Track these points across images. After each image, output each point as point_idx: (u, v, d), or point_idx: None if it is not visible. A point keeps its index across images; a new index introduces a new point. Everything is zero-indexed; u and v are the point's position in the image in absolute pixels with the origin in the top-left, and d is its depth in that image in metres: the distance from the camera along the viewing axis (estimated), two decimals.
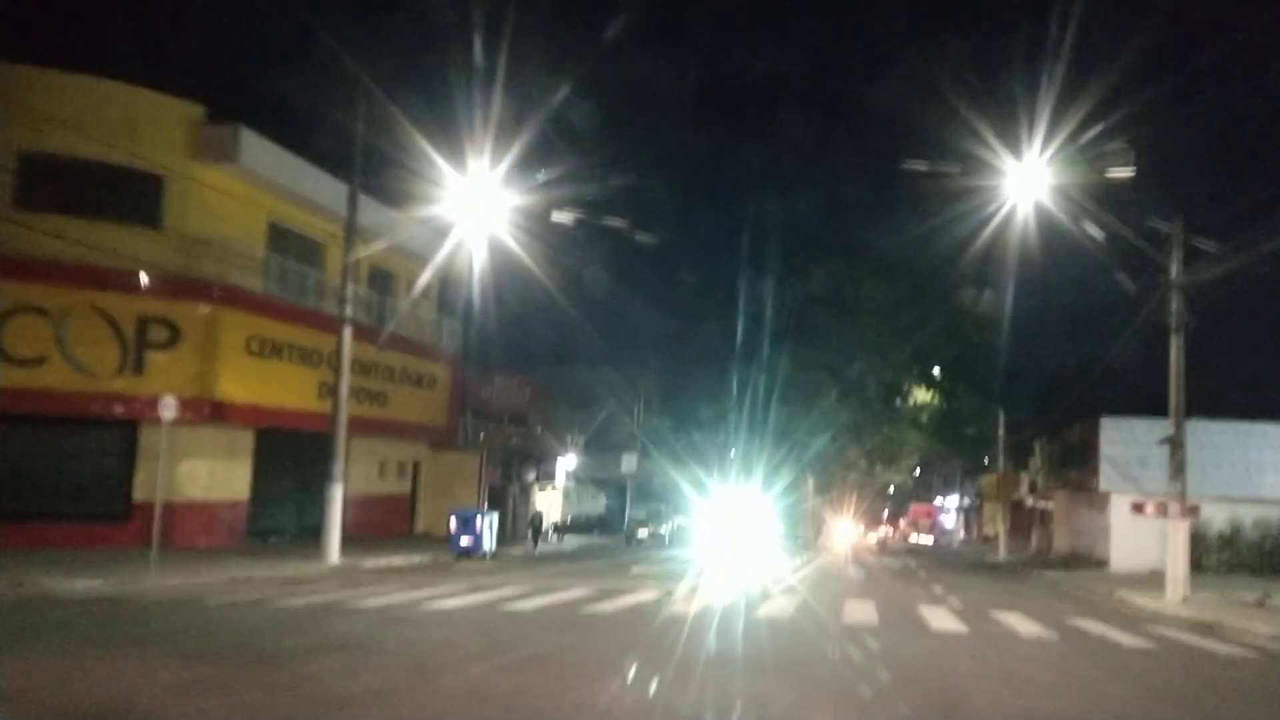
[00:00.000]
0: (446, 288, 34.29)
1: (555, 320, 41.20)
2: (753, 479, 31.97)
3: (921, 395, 37.25)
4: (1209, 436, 29.33)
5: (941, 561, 37.22)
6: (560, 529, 42.36)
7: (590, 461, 49.63)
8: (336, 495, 20.95)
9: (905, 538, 69.41)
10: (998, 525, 67.74)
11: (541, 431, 40.94)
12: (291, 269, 25.26)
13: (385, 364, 29.37)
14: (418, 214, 22.27)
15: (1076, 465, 34.46)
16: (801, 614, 12.61)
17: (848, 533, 73.39)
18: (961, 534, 79.62)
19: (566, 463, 45.53)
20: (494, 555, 26.23)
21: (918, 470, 63.49)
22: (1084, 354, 36.61)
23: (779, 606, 13.38)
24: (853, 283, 30.65)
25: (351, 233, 21.30)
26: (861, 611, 13.23)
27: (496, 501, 38.73)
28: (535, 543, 33.87)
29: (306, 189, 24.71)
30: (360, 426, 28.73)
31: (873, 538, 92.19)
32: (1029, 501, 48.44)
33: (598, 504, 58.46)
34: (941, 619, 12.92)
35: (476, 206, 20.26)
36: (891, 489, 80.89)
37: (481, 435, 35.83)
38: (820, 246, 28.67)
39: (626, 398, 45.47)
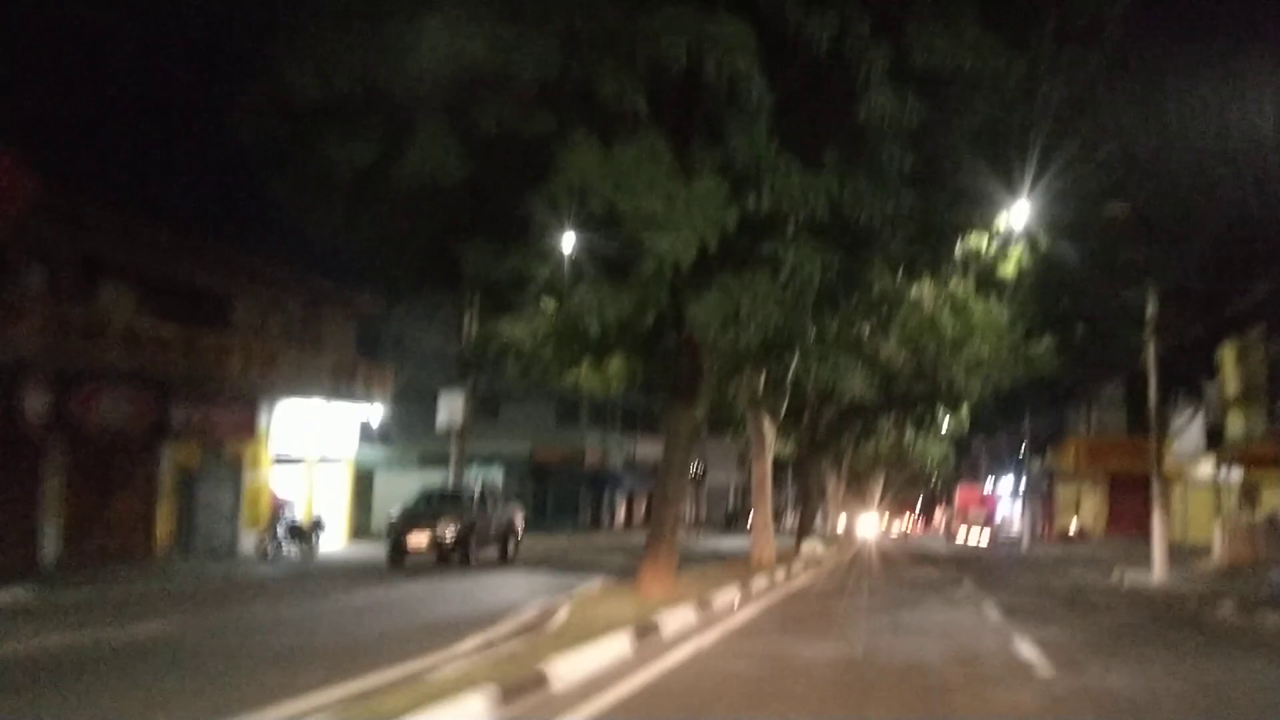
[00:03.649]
0: None
1: None
2: None
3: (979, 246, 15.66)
4: None
5: (1044, 593, 15.74)
6: (301, 533, 21.18)
7: (424, 415, 28.53)
8: None
9: (952, 535, 47.47)
10: (1084, 515, 45.67)
11: (232, 340, 19.83)
12: None
13: None
14: None
15: None
16: None
17: (872, 526, 52.01)
18: (1022, 529, 57.18)
19: (352, 420, 24.55)
20: None
21: (952, 455, 41.27)
22: None
23: None
24: None
25: None
26: None
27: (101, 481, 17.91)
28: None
29: None
30: None
31: (896, 531, 70.35)
32: (1204, 471, 26.18)
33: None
34: None
35: None
36: (932, 472, 58.99)
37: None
38: None
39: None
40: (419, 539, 18.26)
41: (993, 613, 12.00)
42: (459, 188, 10.20)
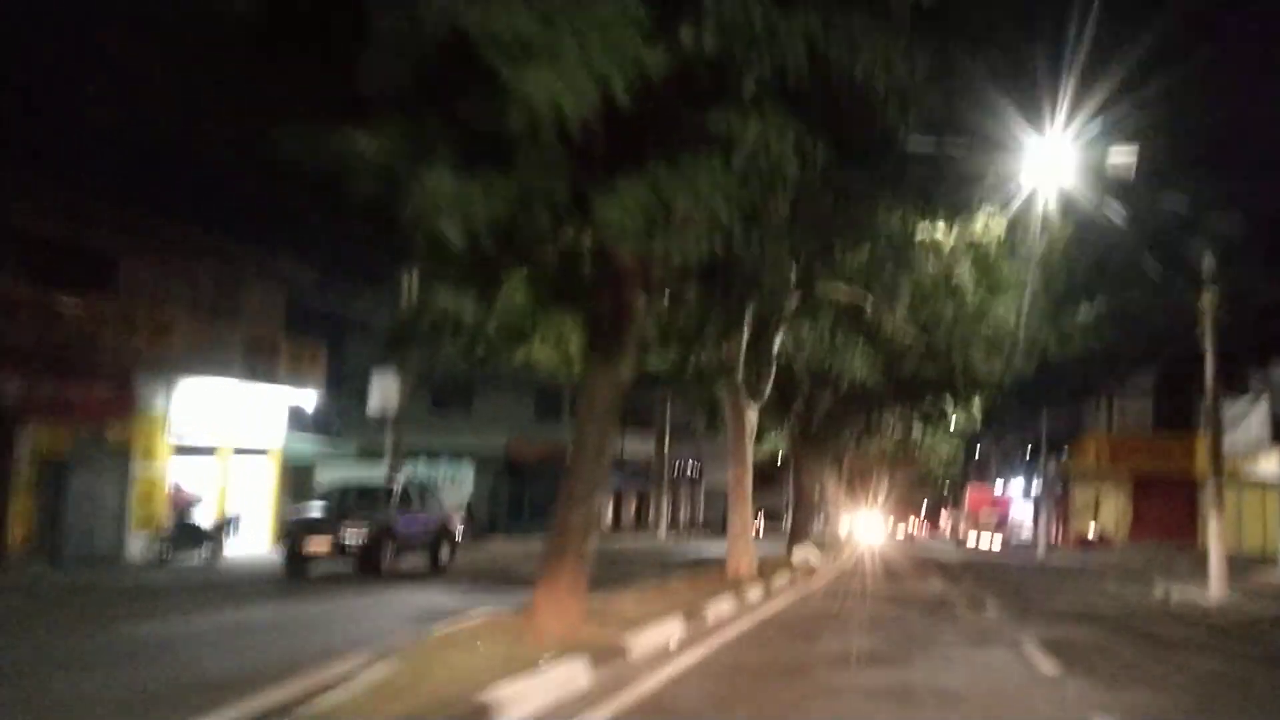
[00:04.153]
0: None
1: None
2: None
3: None
4: None
5: (1091, 619, 12.13)
6: (202, 535, 17.83)
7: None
8: None
9: (962, 539, 43.82)
10: (1104, 519, 41.65)
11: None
12: None
13: None
14: None
15: None
16: None
17: (875, 529, 48.25)
18: (1038, 534, 53.29)
19: (279, 406, 21.10)
20: None
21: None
22: None
23: None
24: None
25: None
26: None
27: None
28: None
29: None
30: None
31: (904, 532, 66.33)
32: (1266, 469, 22.50)
33: (459, 490, 34.07)
34: None
35: None
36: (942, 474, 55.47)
37: None
38: None
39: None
40: (318, 544, 14.77)
41: (1041, 657, 8.45)
42: (253, 29, 6.72)
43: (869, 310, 17.54)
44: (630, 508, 49.70)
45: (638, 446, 47.06)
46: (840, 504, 39.89)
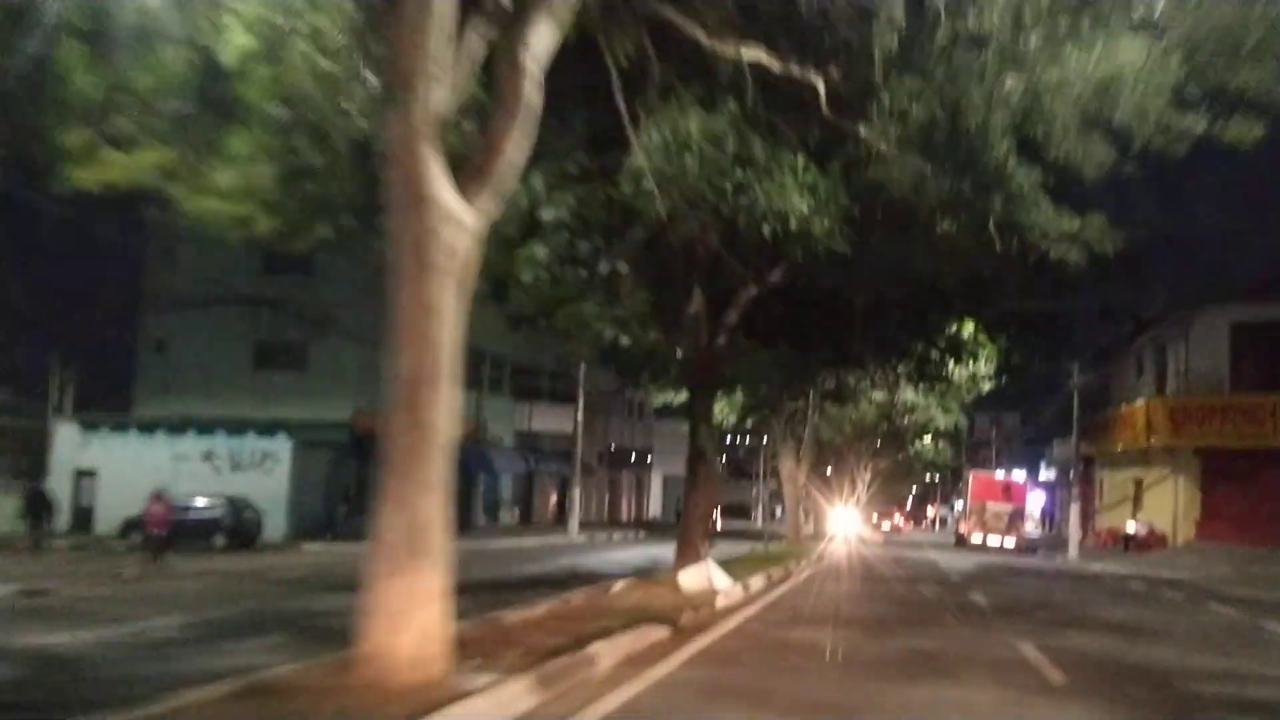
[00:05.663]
0: None
1: None
2: None
3: None
4: None
5: None
6: None
7: None
8: None
9: (966, 536, 33.53)
10: (1155, 511, 30.62)
11: None
12: None
13: None
14: None
15: None
16: None
17: (849, 525, 38.63)
18: (1037, 530, 43.22)
19: None
20: None
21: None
22: None
23: None
24: None
25: None
26: None
27: None
28: None
29: None
30: None
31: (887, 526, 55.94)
32: None
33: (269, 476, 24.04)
34: None
35: None
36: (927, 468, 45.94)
37: None
38: None
39: None
40: None
41: None
42: None
43: (821, 92, 7.83)
44: (549, 499, 39.32)
45: (553, 421, 36.75)
46: (802, 492, 29.71)
